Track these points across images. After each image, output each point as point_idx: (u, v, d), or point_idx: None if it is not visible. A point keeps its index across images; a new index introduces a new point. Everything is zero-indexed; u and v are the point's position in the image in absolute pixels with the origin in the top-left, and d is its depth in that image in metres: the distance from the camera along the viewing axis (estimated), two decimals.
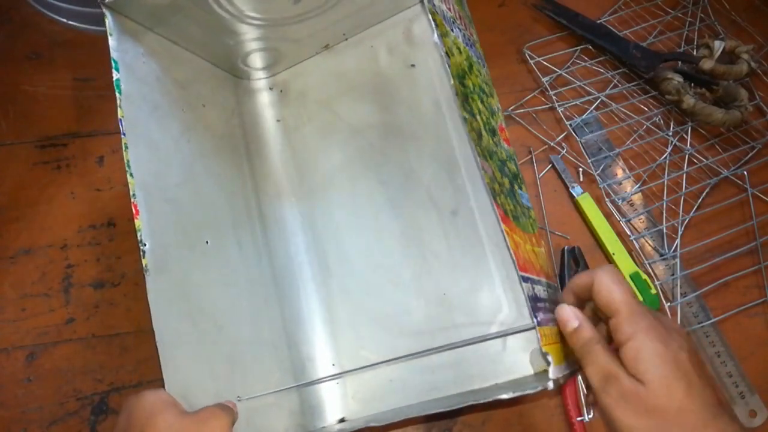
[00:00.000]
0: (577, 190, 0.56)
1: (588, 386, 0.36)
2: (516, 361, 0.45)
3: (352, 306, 0.50)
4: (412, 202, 0.50)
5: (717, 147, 0.60)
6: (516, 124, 0.59)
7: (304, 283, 0.51)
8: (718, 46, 0.61)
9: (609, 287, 0.34)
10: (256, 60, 0.53)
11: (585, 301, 0.37)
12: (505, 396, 0.36)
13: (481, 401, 0.37)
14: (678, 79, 0.59)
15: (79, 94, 0.58)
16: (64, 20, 0.59)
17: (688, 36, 0.65)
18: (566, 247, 0.54)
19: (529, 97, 0.60)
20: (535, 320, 0.33)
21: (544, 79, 0.60)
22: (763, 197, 0.58)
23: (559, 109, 0.59)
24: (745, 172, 0.58)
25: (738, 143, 0.60)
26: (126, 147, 0.38)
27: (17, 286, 0.51)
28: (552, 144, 0.58)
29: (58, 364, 0.49)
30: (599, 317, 0.37)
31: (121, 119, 0.39)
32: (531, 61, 0.61)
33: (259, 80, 0.56)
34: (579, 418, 0.48)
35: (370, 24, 0.54)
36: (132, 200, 0.38)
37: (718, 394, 0.33)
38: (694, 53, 0.63)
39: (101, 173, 0.55)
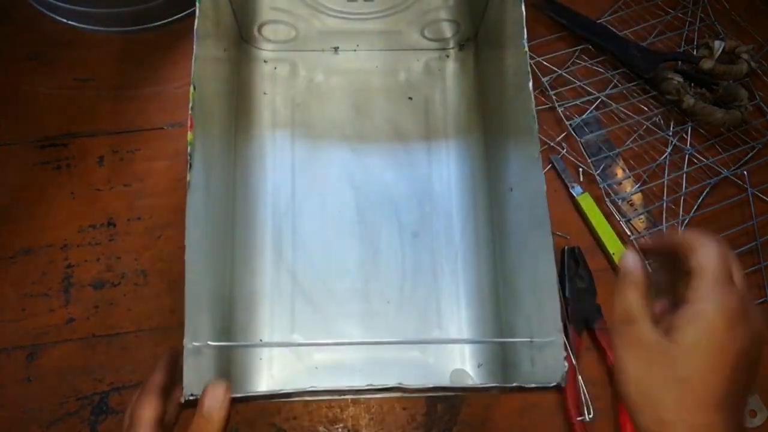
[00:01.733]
0: (576, 190, 0.56)
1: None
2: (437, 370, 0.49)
3: (293, 290, 0.51)
4: (380, 215, 0.53)
5: (717, 147, 0.60)
6: None
7: (262, 251, 0.52)
8: (718, 46, 0.61)
9: (709, 250, 0.31)
10: (269, 31, 0.56)
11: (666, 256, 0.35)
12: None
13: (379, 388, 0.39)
14: (678, 79, 0.59)
15: (79, 94, 0.58)
16: (64, 20, 0.59)
17: (688, 36, 0.65)
18: (566, 247, 0.54)
19: None
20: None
21: (544, 79, 0.60)
22: (763, 197, 0.58)
23: (559, 109, 0.59)
24: (745, 172, 0.58)
25: (738, 143, 0.60)
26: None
27: (17, 286, 0.51)
28: (552, 144, 0.58)
29: (58, 364, 0.49)
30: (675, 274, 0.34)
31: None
32: (531, 61, 0.61)
33: (261, 50, 0.59)
34: (579, 418, 0.48)
35: (389, 46, 0.59)
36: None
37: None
38: (694, 53, 0.63)
39: (101, 173, 0.55)
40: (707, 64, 0.60)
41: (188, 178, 0.39)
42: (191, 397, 0.36)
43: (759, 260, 0.55)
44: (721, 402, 0.30)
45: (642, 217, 0.56)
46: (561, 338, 0.39)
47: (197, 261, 0.40)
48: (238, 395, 0.38)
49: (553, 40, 0.63)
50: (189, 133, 0.40)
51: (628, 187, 0.58)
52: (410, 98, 0.57)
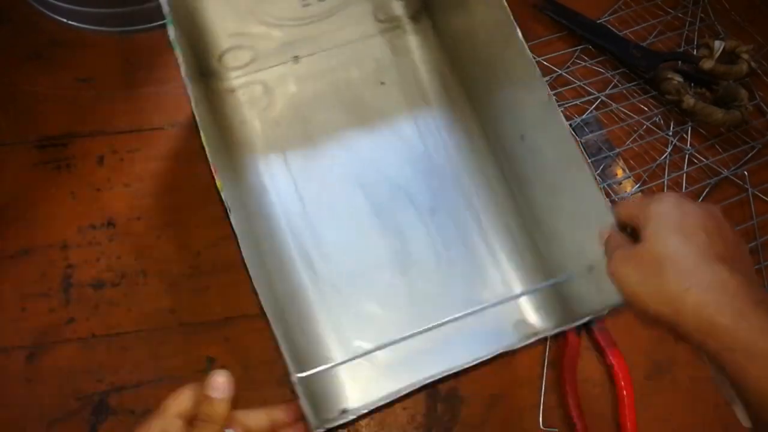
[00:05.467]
0: None
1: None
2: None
3: (338, 300, 0.51)
4: (393, 203, 0.54)
5: (717, 147, 0.60)
6: None
7: (295, 273, 0.52)
8: (718, 46, 0.61)
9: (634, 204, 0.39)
10: (230, 59, 0.55)
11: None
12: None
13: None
14: (678, 79, 0.59)
15: (79, 94, 0.58)
16: (65, 20, 0.59)
17: (688, 36, 0.65)
18: None
19: None
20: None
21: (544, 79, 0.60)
22: (763, 197, 0.58)
23: (559, 109, 0.59)
24: (746, 172, 0.58)
25: (738, 143, 0.60)
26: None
27: (17, 286, 0.51)
28: None
29: (58, 364, 0.49)
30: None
31: None
32: None
33: (225, 81, 0.57)
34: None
35: (347, 40, 0.58)
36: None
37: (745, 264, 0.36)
38: (694, 53, 0.63)
39: (101, 173, 0.55)
40: (707, 64, 0.60)
41: (233, 226, 0.39)
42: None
43: (759, 260, 0.55)
44: (719, 259, 0.33)
45: None
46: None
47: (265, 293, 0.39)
48: (358, 408, 0.39)
49: (553, 40, 0.63)
50: (216, 180, 0.39)
51: (629, 187, 0.58)
52: (383, 83, 0.57)
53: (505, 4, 0.44)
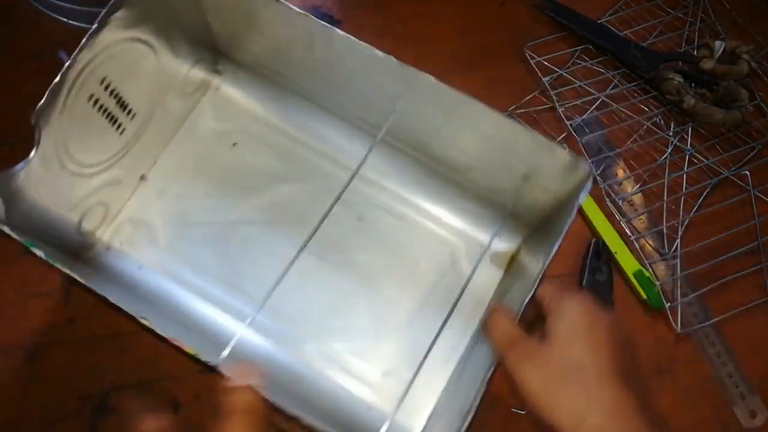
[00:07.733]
0: None
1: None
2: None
3: None
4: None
5: (717, 147, 0.60)
6: None
7: None
8: (719, 46, 0.61)
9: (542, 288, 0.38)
10: (88, 224, 0.51)
11: None
12: None
13: None
14: (678, 79, 0.59)
15: None
16: (66, 20, 0.59)
17: (689, 36, 0.65)
18: (593, 240, 0.55)
19: (529, 97, 0.60)
20: None
21: (544, 79, 0.60)
22: (764, 198, 0.58)
23: (560, 110, 0.59)
24: (748, 173, 0.58)
25: (738, 143, 0.60)
26: None
27: (18, 286, 0.51)
28: None
29: (58, 364, 0.49)
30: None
31: None
32: (531, 61, 0.61)
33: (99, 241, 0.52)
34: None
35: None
36: None
37: (640, 383, 0.34)
38: (695, 53, 0.63)
39: None
40: (708, 65, 0.60)
41: None
42: None
43: (760, 260, 0.55)
44: (618, 378, 0.32)
45: (642, 217, 0.56)
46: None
47: None
48: None
49: (553, 40, 0.63)
50: None
51: (629, 187, 0.58)
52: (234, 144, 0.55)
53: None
